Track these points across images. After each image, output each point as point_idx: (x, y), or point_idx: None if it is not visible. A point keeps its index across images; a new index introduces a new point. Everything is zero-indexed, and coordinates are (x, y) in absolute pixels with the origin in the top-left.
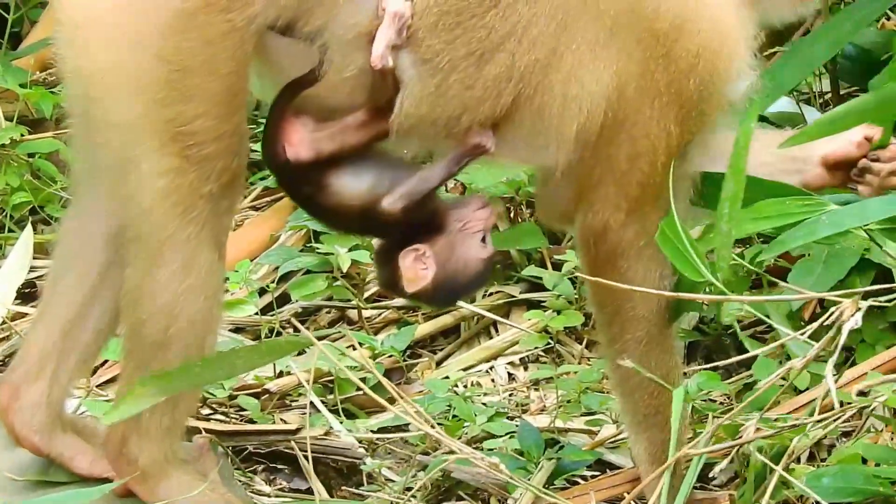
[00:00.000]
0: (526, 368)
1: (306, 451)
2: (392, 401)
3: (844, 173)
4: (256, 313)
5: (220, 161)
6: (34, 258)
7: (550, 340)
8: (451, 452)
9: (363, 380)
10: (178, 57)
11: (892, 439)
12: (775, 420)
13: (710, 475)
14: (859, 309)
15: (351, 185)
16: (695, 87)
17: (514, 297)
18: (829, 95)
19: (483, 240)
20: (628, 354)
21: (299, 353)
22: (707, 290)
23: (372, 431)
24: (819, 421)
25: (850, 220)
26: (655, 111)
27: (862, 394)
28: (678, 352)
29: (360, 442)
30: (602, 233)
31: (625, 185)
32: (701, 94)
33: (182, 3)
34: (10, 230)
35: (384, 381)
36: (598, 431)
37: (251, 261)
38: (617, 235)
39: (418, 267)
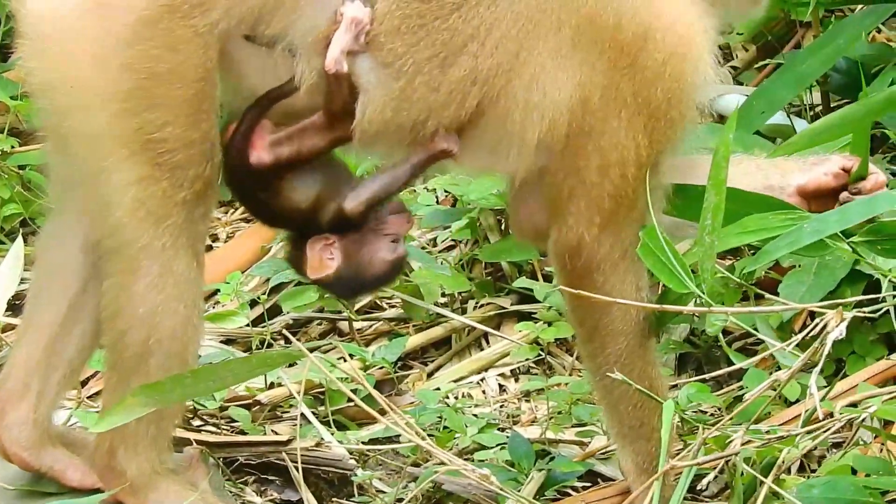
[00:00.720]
0: (517, 380)
1: (297, 463)
2: (383, 412)
3: (824, 203)
4: (247, 325)
5: (192, 168)
6: (25, 270)
7: (541, 352)
8: (442, 464)
9: (354, 391)
10: (143, 65)
11: (881, 450)
12: (766, 432)
13: (700, 487)
14: (844, 319)
15: (301, 193)
16: (662, 96)
17: (504, 308)
18: (820, 108)
19: (395, 241)
20: (610, 368)
21: (290, 365)
22: (696, 301)
23: (363, 443)
24: (808, 432)
25: (833, 225)
26: (623, 122)
27: (852, 405)
28: (660, 363)
29: (350, 453)
30: (576, 247)
31: (597, 199)
32: (669, 102)
33: (144, 10)
34: (1, 242)
35: (375, 392)
36: (589, 443)
37: (242, 272)
38: (591, 250)
39: (324, 256)
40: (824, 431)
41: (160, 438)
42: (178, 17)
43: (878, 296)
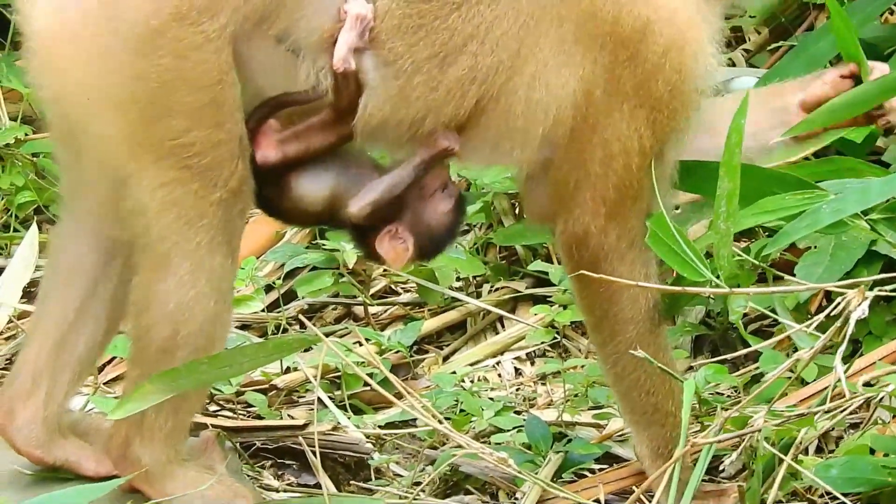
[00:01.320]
0: (533, 363)
1: (314, 447)
2: (399, 396)
3: None
4: (263, 310)
5: (223, 168)
6: (39, 257)
7: (557, 335)
8: (459, 447)
9: (370, 375)
10: (156, 74)
11: None
12: (783, 411)
13: (720, 467)
14: (866, 298)
15: (312, 190)
16: (663, 88)
17: (520, 292)
18: None
19: (444, 189)
20: (620, 356)
21: (306, 350)
22: (711, 285)
23: (379, 427)
24: (827, 412)
25: (852, 205)
26: (625, 114)
27: (868, 385)
28: (671, 349)
29: (367, 437)
30: (583, 238)
31: (601, 189)
32: (670, 93)
33: (151, 20)
34: (15, 230)
35: (391, 376)
36: (606, 425)
37: (257, 258)
38: (598, 240)
39: (397, 245)
40: (842, 411)
41: (177, 430)
42: (186, 24)
43: (895, 275)
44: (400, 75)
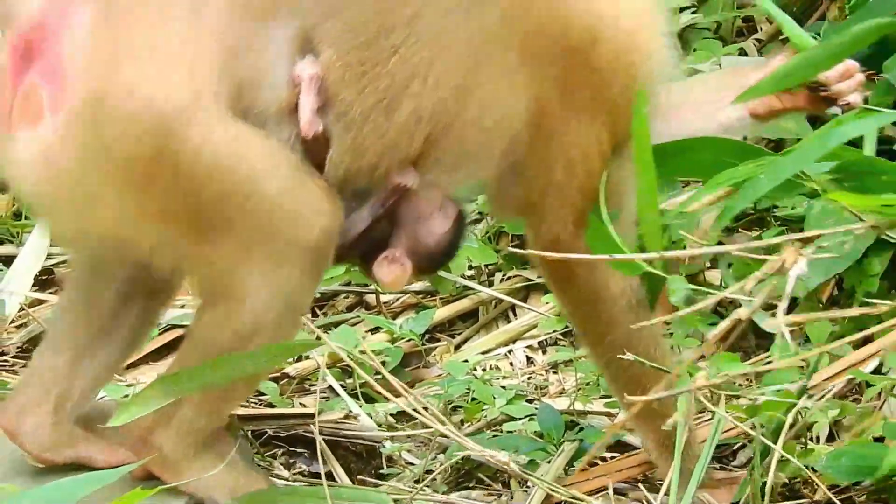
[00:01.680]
0: (544, 352)
1: (323, 435)
2: (411, 384)
3: (793, 99)
4: None
5: (301, 209)
6: (51, 245)
7: (568, 323)
8: (476, 433)
9: (382, 364)
10: (180, 184)
11: None
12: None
13: (727, 457)
14: (802, 256)
15: None
16: (618, 92)
17: (531, 280)
18: None
19: (441, 209)
20: (611, 357)
21: (318, 337)
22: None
23: (391, 415)
24: (810, 395)
25: (787, 169)
26: (583, 122)
27: (877, 372)
28: (664, 342)
29: (379, 425)
30: (555, 244)
31: (567, 195)
32: (626, 97)
33: (142, 148)
34: (27, 218)
35: (390, 377)
36: (617, 413)
37: None
38: (570, 246)
39: (394, 269)
40: (818, 397)
41: (206, 426)
42: (178, 134)
43: (842, 228)
44: (351, 127)
